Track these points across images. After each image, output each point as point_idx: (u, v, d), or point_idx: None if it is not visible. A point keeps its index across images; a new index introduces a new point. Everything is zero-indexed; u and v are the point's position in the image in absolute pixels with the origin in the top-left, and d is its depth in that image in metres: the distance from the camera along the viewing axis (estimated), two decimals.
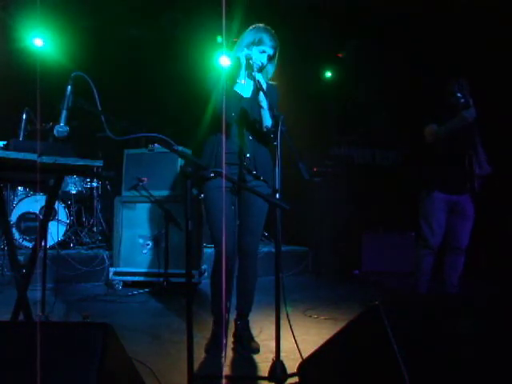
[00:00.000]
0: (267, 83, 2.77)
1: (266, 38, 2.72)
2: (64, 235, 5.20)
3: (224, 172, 2.40)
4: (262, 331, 3.08)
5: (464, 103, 3.53)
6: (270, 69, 2.82)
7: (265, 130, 2.66)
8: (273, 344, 2.17)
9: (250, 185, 2.69)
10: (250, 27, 2.79)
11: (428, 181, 3.83)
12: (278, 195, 2.21)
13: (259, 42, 2.71)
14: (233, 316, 2.89)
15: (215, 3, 6.02)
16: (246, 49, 2.71)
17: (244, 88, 2.77)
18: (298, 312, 3.64)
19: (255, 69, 2.58)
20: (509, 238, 5.32)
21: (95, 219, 5.70)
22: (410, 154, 6.28)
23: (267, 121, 2.63)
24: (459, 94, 3.52)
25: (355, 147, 7.40)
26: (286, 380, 2.12)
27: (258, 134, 2.74)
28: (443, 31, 5.74)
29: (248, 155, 2.70)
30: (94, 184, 5.79)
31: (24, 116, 2.69)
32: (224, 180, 2.66)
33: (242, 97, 2.75)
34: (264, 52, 2.72)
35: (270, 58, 2.77)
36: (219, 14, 5.94)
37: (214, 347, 2.72)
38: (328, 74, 7.54)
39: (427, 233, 3.78)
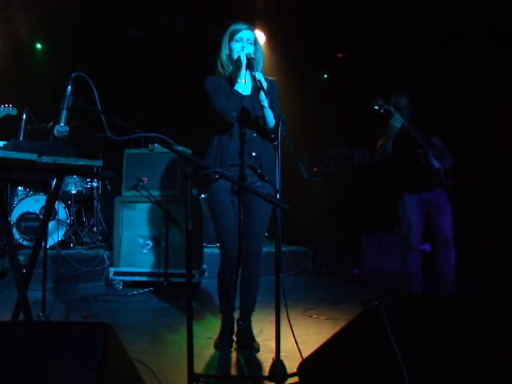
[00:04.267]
0: (266, 79, 2.76)
1: (237, 26, 2.75)
2: (64, 235, 5.20)
3: (225, 173, 2.40)
4: (262, 331, 3.08)
5: (385, 113, 3.73)
6: (259, 56, 2.77)
7: (268, 128, 2.67)
8: (273, 344, 2.17)
9: (255, 186, 2.68)
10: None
11: (397, 185, 4.05)
12: (278, 195, 2.21)
13: (233, 33, 2.74)
14: (236, 316, 2.89)
15: (217, 4, 6.05)
16: (226, 49, 2.75)
17: (245, 87, 2.77)
18: (297, 312, 3.64)
19: (249, 62, 2.58)
20: (503, 238, 5.33)
21: (95, 219, 5.70)
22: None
23: (270, 120, 2.63)
24: (376, 107, 3.71)
25: (355, 147, 7.39)
26: (286, 380, 2.12)
27: (261, 130, 2.74)
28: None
29: (254, 153, 2.70)
30: (94, 184, 5.79)
31: (24, 116, 2.70)
32: (227, 181, 2.66)
33: (243, 96, 2.75)
34: (242, 39, 2.71)
35: (252, 43, 2.73)
36: (222, 14, 5.96)
37: (223, 343, 2.76)
38: (328, 74, 7.54)
39: (406, 234, 3.93)
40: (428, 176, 3.82)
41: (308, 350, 2.00)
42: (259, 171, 2.70)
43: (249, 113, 2.72)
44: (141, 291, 4.38)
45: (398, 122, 3.73)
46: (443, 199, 3.88)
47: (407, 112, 3.91)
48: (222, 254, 2.81)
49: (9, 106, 3.00)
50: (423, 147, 3.80)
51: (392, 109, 3.72)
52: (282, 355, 2.15)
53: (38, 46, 6.65)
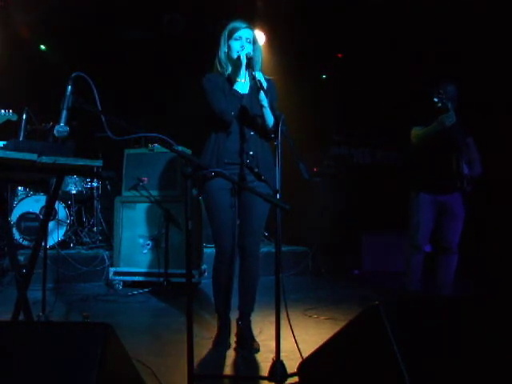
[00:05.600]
0: (265, 79, 2.72)
1: (236, 24, 2.73)
2: (64, 235, 5.20)
3: (224, 172, 2.40)
4: (262, 331, 3.08)
5: (441, 108, 3.60)
6: (258, 55, 2.76)
7: (267, 128, 2.67)
8: (273, 344, 2.17)
9: (252, 186, 2.68)
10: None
11: (414, 182, 3.93)
12: (278, 195, 2.21)
13: (232, 31, 2.73)
14: (235, 316, 2.89)
15: (218, 4, 6.05)
16: (225, 47, 2.74)
17: (244, 86, 2.77)
18: (297, 312, 3.63)
19: (249, 62, 2.56)
20: (502, 238, 5.33)
21: (95, 219, 5.70)
22: (401, 156, 6.33)
23: (269, 119, 2.63)
24: (436, 100, 3.59)
25: (355, 147, 7.39)
26: (286, 380, 2.11)
27: (259, 129, 2.73)
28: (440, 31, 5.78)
29: (251, 152, 2.70)
30: (94, 184, 5.79)
31: (24, 116, 2.70)
32: (224, 180, 2.66)
33: (242, 95, 2.74)
34: (241, 38, 2.70)
35: (251, 42, 2.72)
36: (221, 14, 5.95)
37: (220, 343, 2.77)
38: (327, 74, 7.54)
39: (414, 233, 3.85)
40: (450, 178, 3.71)
41: (308, 350, 2.00)
42: (256, 170, 2.69)
43: (247, 112, 2.72)
44: (141, 291, 4.38)
45: (450, 120, 3.55)
46: (458, 204, 3.78)
47: (454, 103, 3.68)
48: (216, 251, 2.81)
49: (9, 112, 3.02)
50: (460, 150, 3.68)
51: (449, 105, 3.55)
52: (282, 355, 2.15)
53: (39, 46, 6.64)
